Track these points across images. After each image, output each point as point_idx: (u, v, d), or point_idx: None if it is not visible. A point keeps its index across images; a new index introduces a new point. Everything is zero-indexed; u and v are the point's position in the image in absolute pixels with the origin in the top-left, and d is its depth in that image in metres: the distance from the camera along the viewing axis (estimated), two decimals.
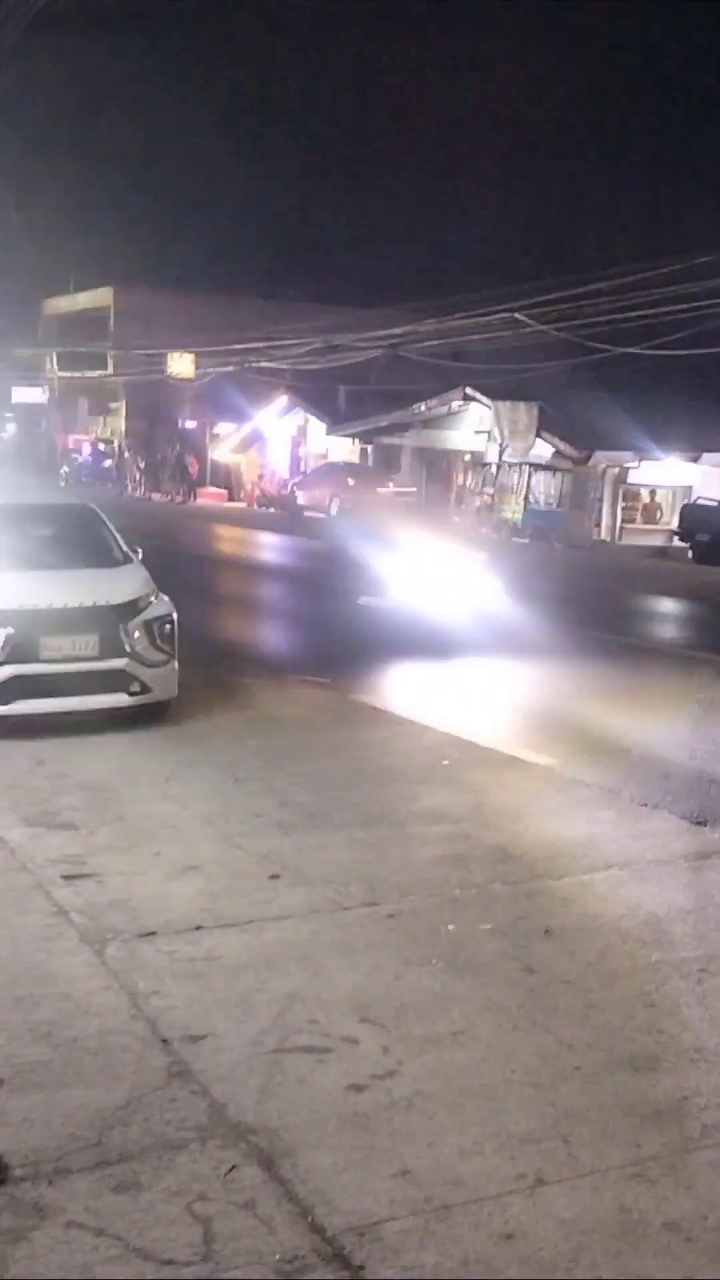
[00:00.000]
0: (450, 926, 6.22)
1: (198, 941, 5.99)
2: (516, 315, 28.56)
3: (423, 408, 37.39)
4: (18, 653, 9.62)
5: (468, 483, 37.20)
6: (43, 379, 55.36)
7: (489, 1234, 3.88)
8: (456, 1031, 5.13)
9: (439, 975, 5.66)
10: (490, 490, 35.68)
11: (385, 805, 8.24)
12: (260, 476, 44.28)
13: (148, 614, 10.22)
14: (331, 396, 40.89)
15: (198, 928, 6.15)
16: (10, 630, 9.61)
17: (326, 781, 8.76)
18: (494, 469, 35.66)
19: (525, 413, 34.17)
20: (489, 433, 35.74)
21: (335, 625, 15.52)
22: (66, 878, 6.78)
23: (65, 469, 49.49)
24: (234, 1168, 4.13)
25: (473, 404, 36.28)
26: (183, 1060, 4.82)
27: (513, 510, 34.55)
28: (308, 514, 37.67)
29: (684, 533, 31.76)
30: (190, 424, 48.51)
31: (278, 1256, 3.73)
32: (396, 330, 33.76)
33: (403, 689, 12.07)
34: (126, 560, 11.06)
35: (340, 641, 14.61)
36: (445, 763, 9.39)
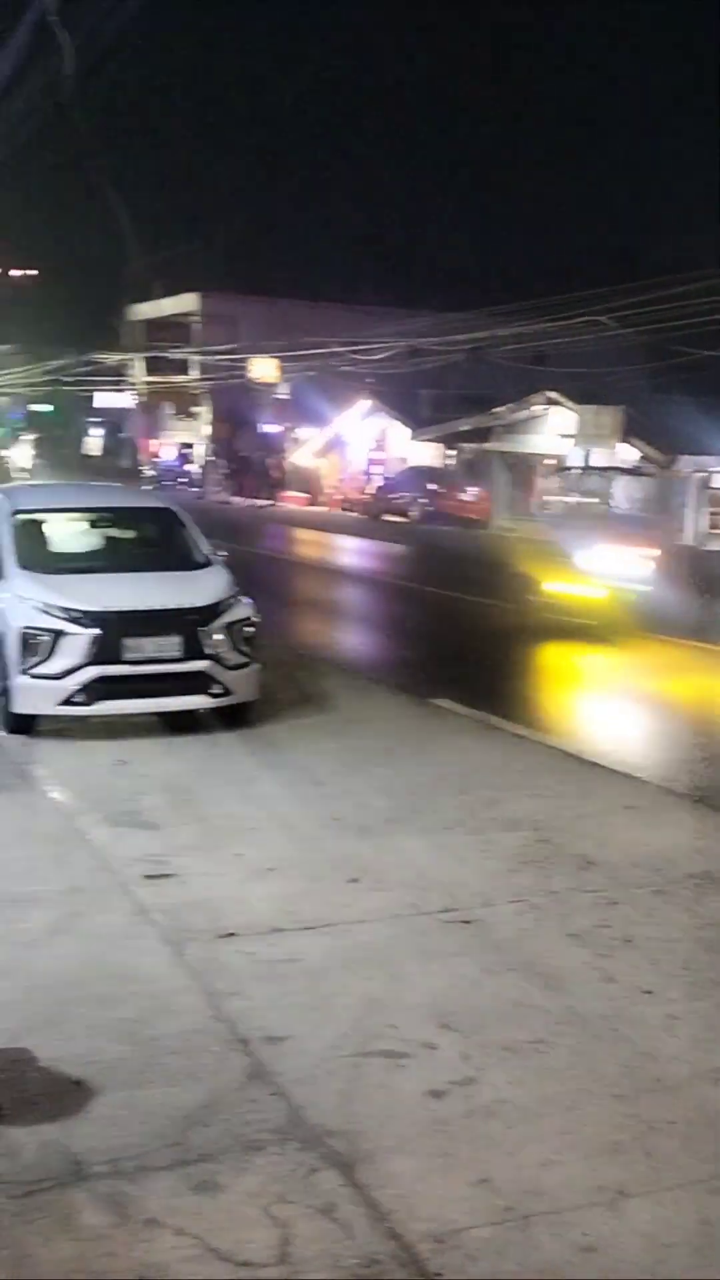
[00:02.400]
0: (530, 934, 6.17)
1: (277, 943, 6.01)
2: (600, 318, 28.35)
3: (504, 411, 37.22)
4: (102, 654, 9.71)
5: (549, 487, 36.94)
6: (128, 385, 55.97)
7: (569, 1245, 3.84)
8: (537, 1040, 5.08)
9: (519, 983, 5.61)
10: (573, 495, 35.40)
11: (466, 810, 8.20)
12: (341, 480, 44.36)
13: (230, 616, 10.27)
14: (413, 400, 40.86)
15: (277, 929, 6.17)
16: (95, 632, 9.71)
17: (406, 785, 8.74)
18: (577, 473, 35.39)
19: (609, 416, 33.87)
20: (573, 437, 35.49)
21: (416, 629, 15.50)
22: (148, 877, 6.83)
23: (149, 472, 49.98)
24: (313, 1171, 4.12)
25: (555, 408, 36.05)
26: (262, 1062, 4.83)
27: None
28: (388, 518, 37.68)
29: None
30: (272, 428, 48.76)
31: (355, 1261, 3.71)
32: (479, 334, 33.67)
33: (488, 693, 12.00)
34: (209, 563, 11.13)
35: (421, 644, 14.59)
36: (528, 768, 9.33)
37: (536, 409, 36.83)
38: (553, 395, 35.56)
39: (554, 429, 36.77)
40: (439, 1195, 4.04)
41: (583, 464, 35.20)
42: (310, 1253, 3.75)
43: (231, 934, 6.09)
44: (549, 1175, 4.18)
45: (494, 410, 37.35)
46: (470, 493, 37.53)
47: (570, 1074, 4.85)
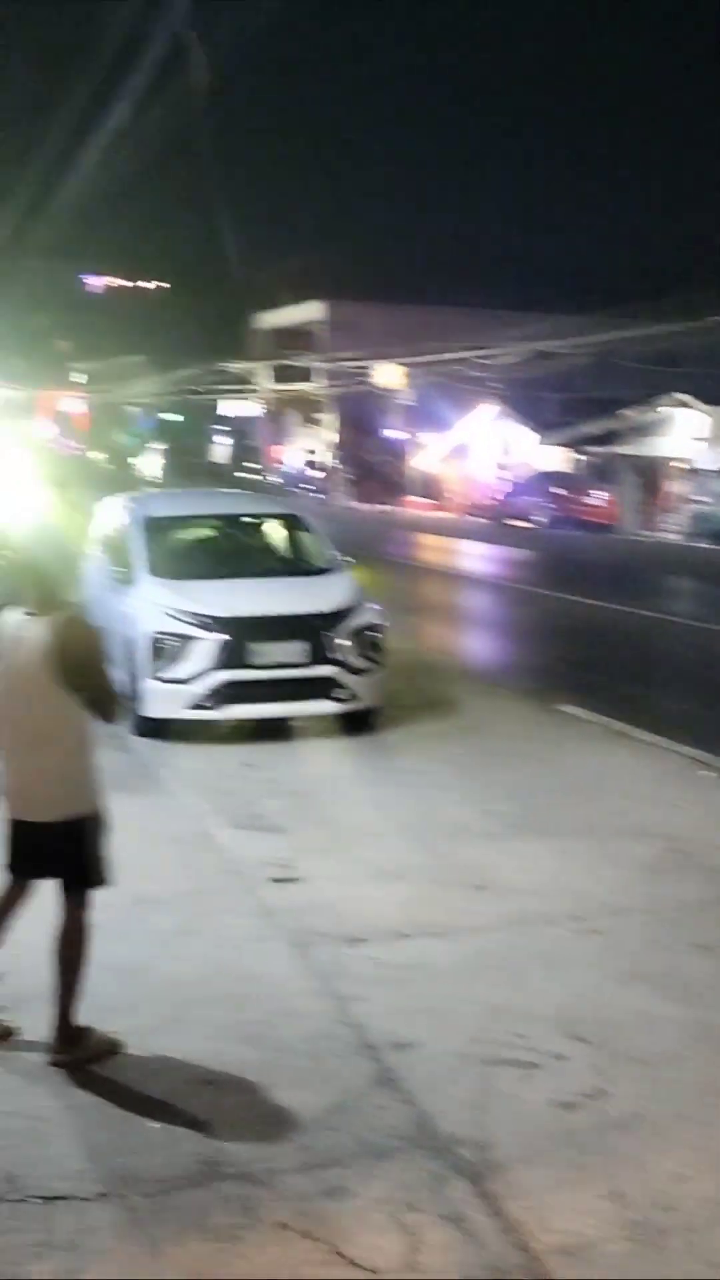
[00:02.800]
0: (661, 945, 6.06)
1: (402, 949, 5.99)
2: None
3: (633, 414, 36.76)
4: (230, 659, 9.81)
5: (680, 490, 36.38)
6: (253, 393, 56.59)
7: (702, 1262, 3.75)
8: (669, 1053, 4.98)
9: (649, 995, 5.51)
10: (706, 498, 34.81)
11: (593, 818, 8.10)
12: (466, 485, 44.24)
13: (356, 622, 10.29)
14: (539, 404, 40.59)
15: (402, 935, 6.15)
16: (223, 637, 9.81)
17: (532, 792, 8.66)
18: (709, 476, 34.79)
19: None
20: (705, 440, 34.90)
21: (543, 635, 15.37)
22: (274, 880, 6.87)
23: (275, 479, 50.45)
24: (442, 1179, 4.09)
25: (685, 410, 35.50)
26: (389, 1068, 4.82)
27: None
28: (513, 523, 37.45)
29: None
30: (397, 434, 48.83)
31: (484, 1272, 3.67)
32: (609, 336, 33.28)
33: (616, 698, 11.84)
34: (336, 568, 11.17)
35: (548, 650, 14.47)
36: (658, 777, 9.17)
37: (666, 411, 36.31)
38: (683, 397, 35.03)
39: (684, 432, 36.21)
40: (569, 1208, 3.98)
41: (715, 467, 34.58)
42: (439, 1262, 3.72)
43: (356, 939, 6.08)
44: (681, 1190, 4.09)
45: (622, 413, 36.91)
46: (597, 497, 37.12)
47: (703, 1088, 4.74)
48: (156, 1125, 4.39)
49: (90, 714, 4.95)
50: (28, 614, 4.92)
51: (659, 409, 36.26)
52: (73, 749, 4.89)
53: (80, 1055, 4.83)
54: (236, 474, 50.91)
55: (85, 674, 4.84)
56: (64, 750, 4.86)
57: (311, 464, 52.01)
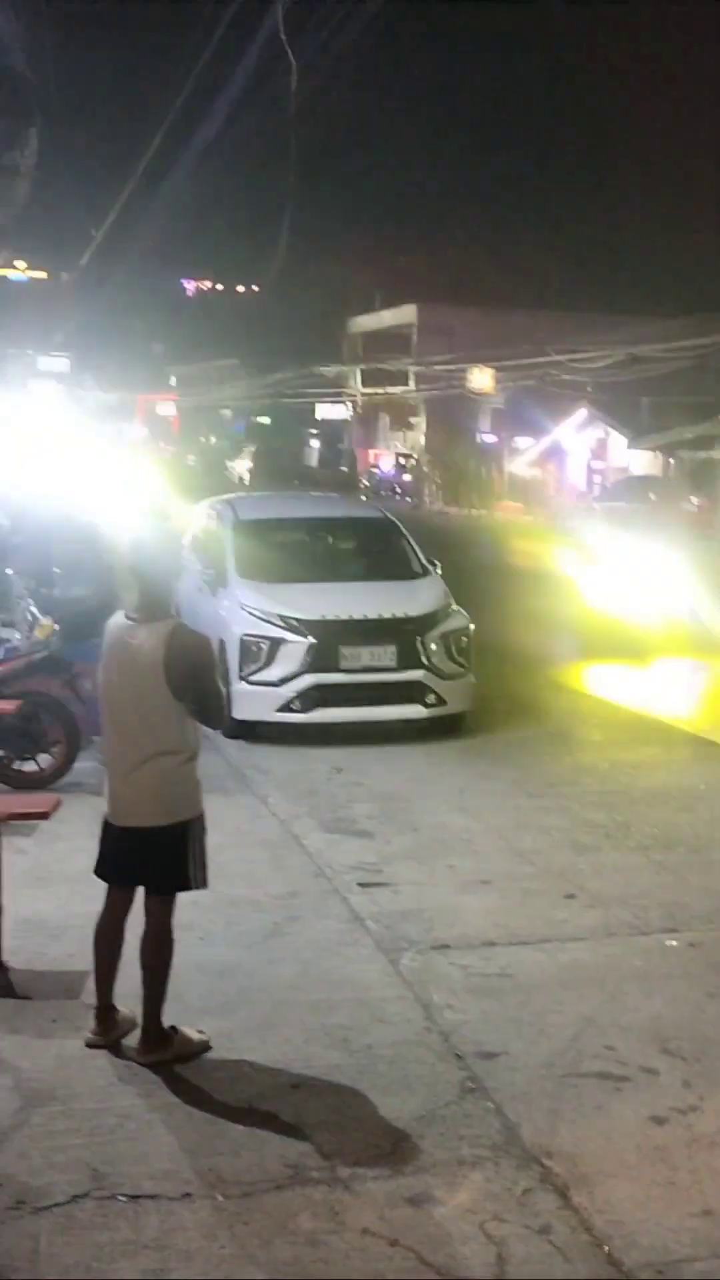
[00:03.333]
0: None
1: (491, 957, 5.95)
2: None
3: None
4: (319, 662, 9.83)
5: None
6: (346, 396, 56.71)
7: None
8: None
9: None
10: None
11: (687, 828, 7.99)
12: (558, 490, 43.93)
13: (445, 626, 10.27)
14: (633, 409, 40.14)
15: (491, 943, 6.11)
16: (312, 640, 9.84)
17: (624, 801, 8.57)
18: None
19: None
20: None
21: (635, 643, 15.19)
22: (362, 885, 6.87)
23: (366, 482, 50.50)
24: (528, 1190, 4.05)
25: None
26: (477, 1076, 4.79)
27: None
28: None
29: None
30: (489, 438, 48.64)
31: None
32: (704, 340, 32.82)
33: (710, 710, 11.67)
34: (425, 572, 11.15)
35: (641, 659, 14.29)
36: None
37: None
38: None
39: None
40: (659, 1224, 3.92)
41: None
42: (526, 1274, 3.68)
43: (445, 945, 6.06)
44: None
45: (718, 418, 36.34)
46: (692, 503, 36.63)
47: None
48: (243, 1127, 4.40)
49: (198, 720, 5.00)
50: (131, 620, 4.97)
51: None
52: (181, 756, 4.92)
53: (168, 1055, 4.86)
54: (328, 478, 51.03)
55: (195, 680, 4.89)
56: (173, 757, 4.90)
57: (403, 467, 51.99)
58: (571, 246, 55.67)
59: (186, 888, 4.98)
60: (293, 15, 14.01)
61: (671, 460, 39.72)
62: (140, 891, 5.04)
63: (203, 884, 5.02)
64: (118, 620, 5.03)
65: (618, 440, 42.33)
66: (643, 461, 40.79)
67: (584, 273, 51.42)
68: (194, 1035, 4.97)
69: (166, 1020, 4.92)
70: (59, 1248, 3.75)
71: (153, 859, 4.95)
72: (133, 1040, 4.94)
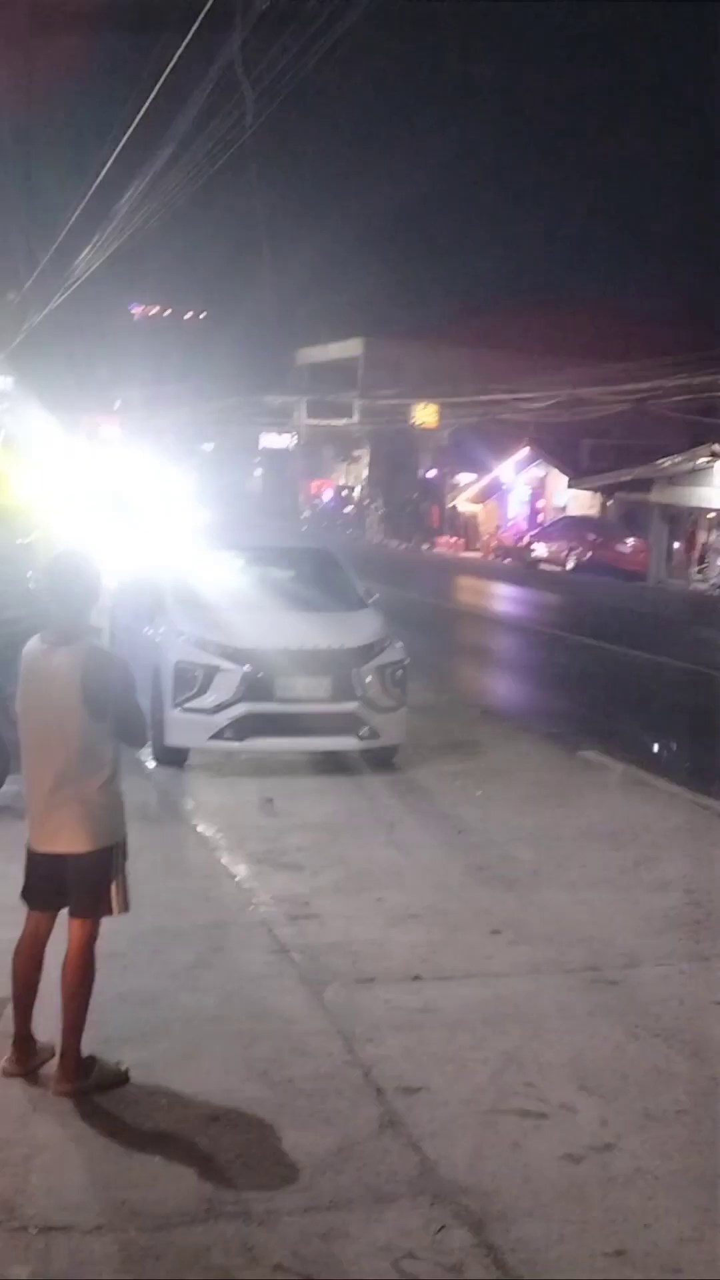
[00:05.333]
0: (677, 999, 5.99)
1: (416, 991, 5.95)
2: None
3: (669, 464, 36.70)
4: (254, 691, 9.81)
5: (712, 540, 36.26)
6: (291, 426, 56.86)
7: None
8: (680, 1110, 4.92)
9: (663, 1049, 5.45)
10: None
11: (613, 867, 8.04)
12: (498, 527, 44.28)
13: (381, 659, 10.29)
14: (574, 450, 40.64)
15: (416, 978, 6.11)
16: (247, 668, 9.81)
17: (553, 838, 8.61)
18: None
19: None
20: None
21: (568, 680, 15.33)
22: (290, 917, 6.84)
23: (307, 513, 50.60)
24: (443, 1228, 4.04)
25: None
26: (396, 1112, 4.77)
27: None
28: (543, 567, 37.42)
29: None
30: (431, 473, 48.96)
31: None
32: (643, 384, 33.32)
33: (640, 747, 11.77)
34: (363, 605, 11.18)
35: (573, 696, 14.42)
36: (680, 828, 9.09)
37: (702, 462, 36.23)
38: (718, 448, 34.95)
39: None
40: (572, 1263, 3.92)
41: None
42: None
43: (370, 979, 6.05)
44: (687, 1251, 4.03)
45: (658, 463, 36.88)
46: (629, 544, 37.08)
47: (713, 1146, 4.67)
48: (159, 1160, 4.36)
49: (120, 739, 4.97)
50: (48, 642, 4.93)
51: (698, 459, 36.18)
52: (101, 779, 4.89)
53: (86, 1085, 4.81)
54: (270, 507, 51.04)
55: (115, 700, 4.87)
56: (93, 780, 4.86)
57: (345, 500, 52.17)
58: (517, 287, 56.34)
59: (109, 913, 4.95)
60: (248, 47, 14.08)
61: (609, 501, 40.20)
62: (63, 916, 4.99)
63: (124, 909, 4.98)
64: (34, 644, 4.99)
65: (557, 479, 42.78)
66: (581, 501, 41.25)
67: (530, 313, 51.95)
68: (113, 1066, 4.92)
69: (85, 1049, 4.87)
70: None
71: (74, 884, 4.90)
72: (50, 1070, 4.88)
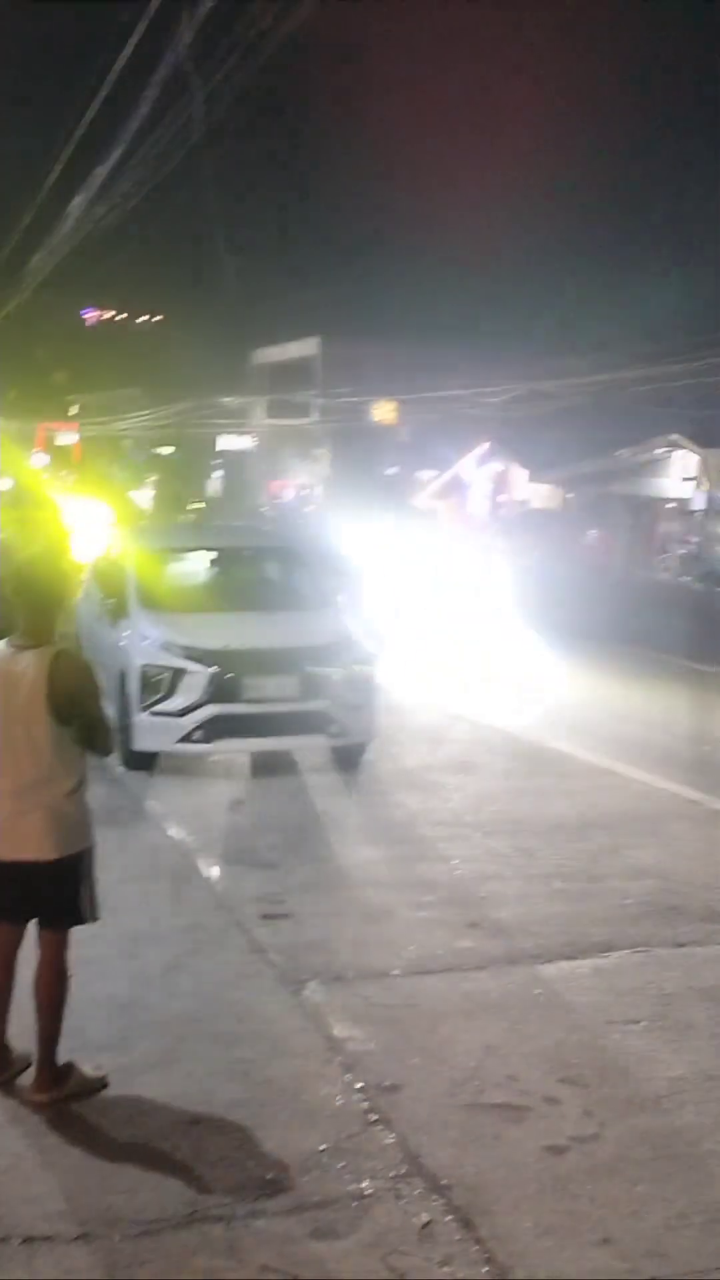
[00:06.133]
0: (655, 987, 6.00)
1: (394, 987, 5.93)
2: None
3: (628, 454, 36.89)
4: (220, 692, 9.74)
5: (671, 530, 36.47)
6: (250, 427, 56.82)
7: None
8: (662, 1097, 4.93)
9: (644, 1036, 5.45)
10: (695, 538, 34.90)
11: (587, 857, 8.05)
12: (460, 522, 44.33)
13: (348, 656, 10.25)
14: (534, 443, 40.74)
15: (394, 973, 6.09)
16: (214, 669, 9.75)
17: (526, 830, 8.61)
18: (699, 517, 34.89)
19: None
20: (695, 480, 35.03)
21: (528, 674, 15.35)
22: (265, 917, 6.81)
23: (267, 514, 50.52)
24: (430, 1222, 4.03)
25: (680, 451, 35.63)
26: (379, 1108, 4.75)
27: None
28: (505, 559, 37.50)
29: None
30: (392, 470, 48.99)
31: None
32: (601, 376, 33.46)
33: (607, 737, 11.80)
34: (328, 603, 11.15)
35: (535, 688, 14.44)
36: (651, 815, 9.12)
37: (660, 452, 36.44)
38: (675, 438, 35.16)
39: (678, 472, 36.32)
40: (560, 1254, 3.91)
41: (704, 508, 34.69)
42: None
43: (348, 977, 6.02)
44: (674, 1238, 4.03)
45: (617, 454, 37.06)
46: (590, 536, 37.22)
47: (697, 1133, 4.68)
48: (141, 1165, 4.32)
49: (84, 748, 4.91)
50: (17, 646, 4.88)
51: (655, 450, 36.40)
52: (68, 786, 4.83)
53: (64, 1093, 4.76)
54: (231, 508, 50.94)
55: (78, 707, 4.80)
56: (59, 786, 4.80)
57: (305, 499, 52.13)
58: (474, 283, 56.42)
59: (80, 921, 4.90)
60: (199, 42, 14.01)
61: (571, 494, 40.35)
62: (32, 927, 4.93)
63: (95, 917, 4.93)
64: (2, 649, 4.94)
65: (519, 473, 42.90)
66: (542, 494, 41.38)
67: (487, 308, 52.13)
68: (91, 1072, 4.87)
69: (62, 1056, 4.82)
70: None
71: (43, 893, 4.84)
72: (27, 1079, 4.83)
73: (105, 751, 5.06)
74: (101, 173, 19.97)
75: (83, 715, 4.82)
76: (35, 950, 4.88)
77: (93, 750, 4.94)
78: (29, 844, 4.80)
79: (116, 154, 18.97)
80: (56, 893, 4.82)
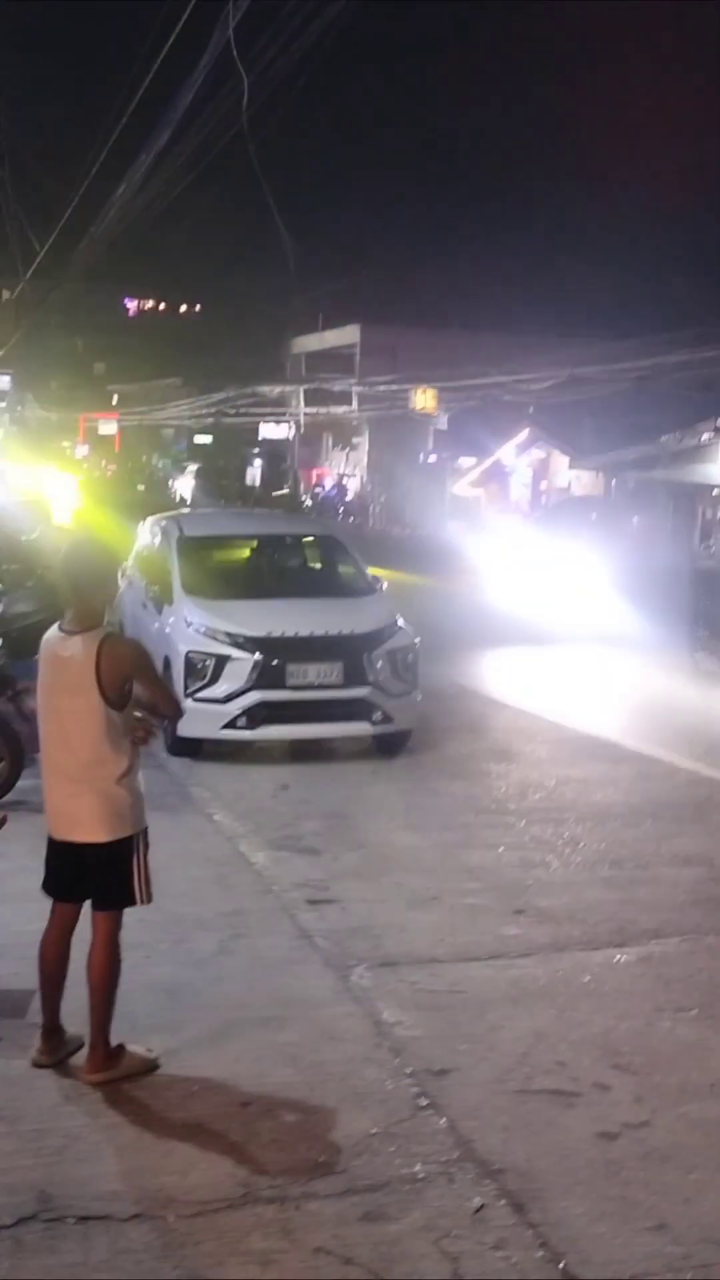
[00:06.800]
0: (705, 974, 5.97)
1: (441, 973, 5.93)
2: None
3: (671, 440, 36.57)
4: (264, 679, 9.78)
5: (717, 517, 36.15)
6: (289, 416, 56.81)
7: None
8: (714, 1084, 4.90)
9: (694, 1024, 5.43)
10: None
11: (633, 845, 8.01)
12: (500, 510, 44.17)
13: (391, 644, 10.25)
14: (575, 430, 40.49)
15: (440, 959, 6.09)
16: (258, 657, 9.78)
17: (571, 818, 8.58)
18: None
19: None
20: None
21: (580, 659, 15.28)
22: (310, 902, 6.83)
23: (308, 502, 50.54)
24: (483, 1207, 4.02)
25: None
26: (429, 1093, 4.75)
27: None
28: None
29: None
30: (432, 457, 48.86)
31: None
32: (644, 362, 33.20)
33: (654, 726, 11.73)
34: (371, 590, 11.15)
35: (582, 675, 14.37)
36: (700, 803, 9.07)
37: (706, 438, 36.10)
38: None
39: None
40: (614, 1239, 3.90)
41: None
42: None
43: (394, 962, 6.03)
44: None
45: (660, 440, 36.74)
46: (634, 523, 36.97)
47: None
48: (193, 1146, 4.34)
49: (157, 716, 5.09)
50: (66, 631, 4.90)
51: (702, 437, 36.06)
52: (119, 769, 4.85)
53: (116, 1074, 4.79)
54: (271, 497, 50.99)
55: (139, 682, 4.88)
56: (110, 770, 4.83)
57: (345, 487, 52.11)
58: (513, 268, 56.18)
59: (132, 903, 4.92)
60: (244, 28, 13.97)
61: (613, 481, 40.09)
62: (87, 907, 4.97)
63: (148, 899, 4.96)
64: (51, 633, 4.97)
65: (559, 460, 42.69)
66: (584, 481, 41.17)
67: (526, 294, 51.87)
68: (142, 1053, 4.90)
69: (114, 1039, 4.85)
70: (5, 1271, 3.67)
71: (96, 874, 4.88)
72: (80, 1060, 4.86)
73: (177, 713, 5.45)
74: (145, 160, 19.99)
75: (144, 686, 4.91)
76: (88, 934, 4.91)
77: (164, 717, 5.25)
78: (81, 826, 4.84)
79: (161, 142, 18.99)
80: (108, 874, 4.85)
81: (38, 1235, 3.82)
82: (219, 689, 9.78)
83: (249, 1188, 4.09)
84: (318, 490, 52.88)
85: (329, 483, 53.04)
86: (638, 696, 13.28)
